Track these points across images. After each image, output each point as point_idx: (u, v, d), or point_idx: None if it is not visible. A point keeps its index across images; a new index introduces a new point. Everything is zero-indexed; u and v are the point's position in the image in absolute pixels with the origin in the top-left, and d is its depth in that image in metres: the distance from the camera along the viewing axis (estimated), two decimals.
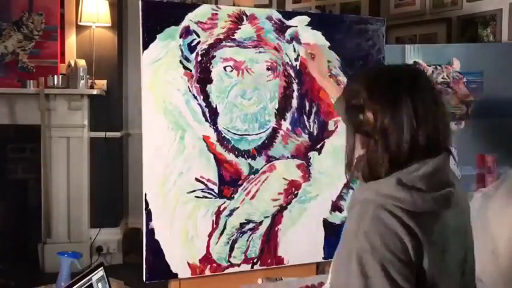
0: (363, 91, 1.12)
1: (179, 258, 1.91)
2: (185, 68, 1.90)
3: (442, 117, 1.13)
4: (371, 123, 1.09)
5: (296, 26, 2.05)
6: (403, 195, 1.04)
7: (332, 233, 2.12)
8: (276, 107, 2.02)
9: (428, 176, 1.07)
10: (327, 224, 2.11)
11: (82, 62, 3.61)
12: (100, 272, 1.60)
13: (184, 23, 1.90)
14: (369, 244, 1.01)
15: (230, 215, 1.97)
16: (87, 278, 1.54)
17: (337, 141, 2.11)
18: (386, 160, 1.08)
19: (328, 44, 2.09)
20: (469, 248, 1.18)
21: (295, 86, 2.05)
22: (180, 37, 1.89)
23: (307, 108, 2.07)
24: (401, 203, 1.04)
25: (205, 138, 1.93)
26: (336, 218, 2.12)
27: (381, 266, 1.00)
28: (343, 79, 2.11)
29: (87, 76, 3.63)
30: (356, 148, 1.14)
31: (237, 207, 1.98)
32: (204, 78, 1.92)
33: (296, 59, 2.05)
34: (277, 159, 2.03)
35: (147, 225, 1.87)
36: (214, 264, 1.96)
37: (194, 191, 1.92)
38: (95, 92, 3.66)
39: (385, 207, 1.04)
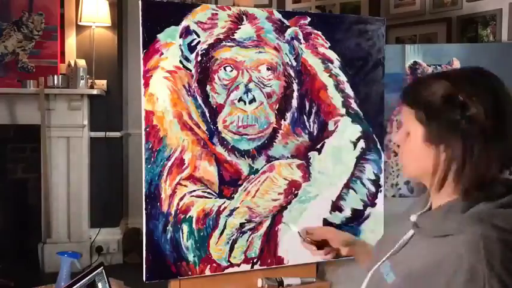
0: (449, 85, 0.96)
1: (179, 258, 1.91)
2: (185, 68, 1.90)
3: None
4: (479, 120, 0.92)
5: (296, 26, 2.05)
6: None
7: None
8: (276, 107, 2.02)
9: None
10: (327, 224, 2.11)
11: (82, 62, 3.61)
12: (100, 272, 1.60)
13: (184, 23, 1.90)
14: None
15: (230, 215, 1.97)
16: (87, 278, 1.54)
17: (337, 141, 2.11)
18: (497, 163, 0.93)
19: (328, 44, 2.09)
20: None
21: (295, 86, 2.05)
22: (180, 37, 1.89)
23: (307, 108, 2.07)
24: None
25: (205, 138, 1.93)
26: (336, 218, 2.12)
27: None
28: (343, 79, 2.11)
29: (87, 76, 3.63)
30: (454, 160, 0.95)
31: (237, 207, 1.98)
32: (204, 78, 1.92)
33: (296, 59, 2.05)
34: (277, 159, 2.03)
35: (147, 225, 1.87)
36: (214, 264, 1.96)
37: (194, 191, 1.92)
38: (95, 92, 3.66)
39: (507, 244, 0.87)
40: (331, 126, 2.10)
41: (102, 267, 1.60)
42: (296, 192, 2.06)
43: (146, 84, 1.85)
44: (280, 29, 2.03)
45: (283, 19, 2.03)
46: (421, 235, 1.02)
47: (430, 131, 0.97)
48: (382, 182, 2.17)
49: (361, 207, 2.17)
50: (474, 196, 0.95)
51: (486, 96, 0.94)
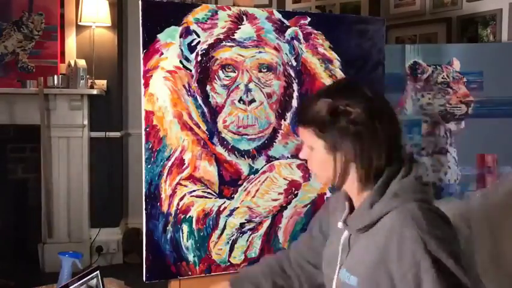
0: (329, 100, 1.14)
1: (179, 258, 1.91)
2: (185, 68, 1.90)
3: (395, 113, 1.20)
4: (360, 119, 1.11)
5: (296, 26, 2.05)
6: (426, 197, 1.11)
7: None
8: (276, 107, 2.02)
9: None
10: None
11: (82, 62, 3.61)
12: (95, 276, 1.60)
13: (184, 23, 1.90)
14: (442, 244, 1.03)
15: (230, 215, 1.97)
16: (82, 281, 1.54)
17: None
18: (383, 152, 1.12)
19: (328, 44, 2.09)
20: None
21: (295, 86, 2.05)
22: (180, 37, 1.89)
23: None
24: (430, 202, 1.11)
25: (205, 138, 1.93)
26: None
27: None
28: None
29: (87, 76, 3.63)
30: (349, 162, 1.14)
31: (237, 207, 1.98)
32: (204, 78, 1.93)
33: (296, 59, 2.05)
34: (277, 159, 2.03)
35: (147, 225, 1.87)
36: (214, 264, 1.96)
37: (194, 190, 1.92)
38: (95, 92, 3.66)
39: (429, 204, 1.10)
40: None
41: (97, 271, 1.60)
42: (296, 192, 2.06)
43: (146, 84, 1.86)
44: (280, 29, 2.03)
45: (283, 19, 2.03)
46: (357, 233, 1.16)
47: (327, 142, 1.14)
48: None
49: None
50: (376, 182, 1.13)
51: (361, 100, 1.12)
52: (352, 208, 1.23)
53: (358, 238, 1.16)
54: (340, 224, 1.21)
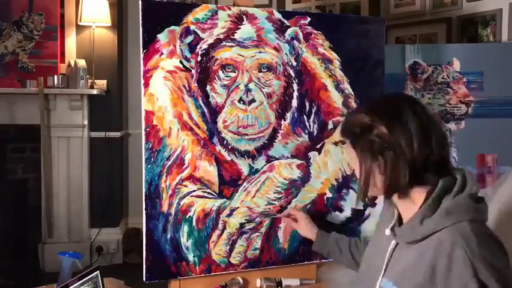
0: (362, 115, 1.20)
1: (179, 258, 1.91)
2: (185, 68, 1.90)
3: (440, 126, 1.21)
4: (385, 136, 1.15)
5: (296, 26, 2.05)
6: (480, 217, 1.11)
7: None
8: (276, 107, 2.02)
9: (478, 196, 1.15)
10: (327, 224, 2.11)
11: (82, 62, 3.62)
12: (95, 276, 1.60)
13: (184, 23, 1.90)
14: (491, 268, 1.02)
15: (230, 215, 1.97)
16: (82, 281, 1.54)
17: (337, 141, 2.11)
18: (409, 169, 1.13)
19: (328, 44, 2.09)
20: None
21: (295, 86, 2.05)
22: (180, 37, 1.89)
23: (307, 108, 2.07)
24: (483, 222, 1.11)
25: (205, 139, 1.93)
26: (336, 218, 2.13)
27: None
28: (343, 79, 2.12)
29: (87, 76, 3.63)
30: (373, 175, 1.18)
31: (237, 207, 1.98)
32: (203, 78, 1.93)
33: (296, 59, 2.05)
34: (277, 159, 2.03)
35: (147, 225, 1.87)
36: (214, 264, 1.96)
37: (194, 190, 1.92)
38: (95, 92, 3.66)
39: (482, 226, 1.09)
40: (331, 126, 2.11)
41: (97, 271, 1.60)
42: (296, 192, 2.06)
43: (146, 84, 1.86)
44: (280, 29, 2.03)
45: (283, 19, 2.03)
46: (405, 243, 1.18)
47: (359, 153, 1.20)
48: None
49: (361, 207, 2.17)
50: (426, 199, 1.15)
51: (390, 118, 1.15)
52: (400, 217, 1.26)
53: (406, 249, 1.18)
54: (387, 231, 1.24)
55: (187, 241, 1.92)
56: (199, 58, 1.92)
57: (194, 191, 1.92)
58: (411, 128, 1.14)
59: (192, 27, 1.91)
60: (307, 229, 1.92)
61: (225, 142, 1.95)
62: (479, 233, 1.06)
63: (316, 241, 1.87)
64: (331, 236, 1.84)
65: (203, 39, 1.92)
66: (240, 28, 1.96)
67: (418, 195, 1.17)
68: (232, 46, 1.95)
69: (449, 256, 1.05)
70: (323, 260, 2.13)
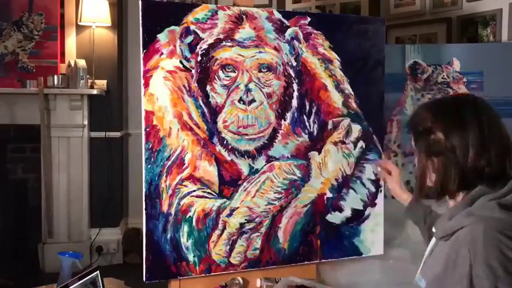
0: (428, 114, 1.22)
1: (179, 258, 1.91)
2: (185, 68, 1.90)
3: (506, 139, 1.20)
4: (441, 141, 1.17)
5: (296, 26, 2.05)
6: (501, 223, 1.08)
7: (332, 233, 2.12)
8: (276, 107, 2.02)
9: None
10: (327, 224, 2.11)
11: (82, 62, 3.61)
12: (95, 276, 1.60)
13: (184, 23, 1.90)
14: (488, 269, 1.03)
15: (230, 215, 1.97)
16: (82, 281, 1.54)
17: (337, 141, 2.11)
18: (458, 177, 1.16)
19: (328, 44, 2.09)
20: None
21: (295, 86, 2.05)
22: (180, 37, 1.89)
23: (307, 108, 2.07)
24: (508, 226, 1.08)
25: (205, 139, 1.93)
26: (336, 218, 2.13)
27: None
28: (343, 79, 2.11)
29: (87, 76, 3.63)
30: (428, 171, 1.22)
31: (237, 207, 1.98)
32: (203, 78, 1.93)
33: (296, 59, 2.05)
34: (277, 159, 2.03)
35: (147, 225, 1.87)
36: (214, 264, 1.96)
37: (194, 190, 1.92)
38: (95, 92, 3.66)
39: (498, 231, 1.07)
40: (331, 126, 2.11)
41: (97, 271, 1.60)
42: (296, 192, 2.06)
43: (146, 84, 1.86)
44: (280, 29, 2.03)
45: (283, 19, 2.03)
46: (438, 240, 1.22)
47: (418, 150, 1.24)
48: (382, 182, 2.17)
49: (361, 207, 2.17)
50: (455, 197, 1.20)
51: (448, 123, 1.18)
52: None
53: (439, 245, 1.22)
54: (433, 229, 1.29)
55: (187, 241, 1.92)
56: (199, 58, 1.92)
57: (194, 191, 1.92)
58: (470, 136, 1.16)
59: (192, 27, 1.91)
60: (397, 185, 1.83)
61: (225, 142, 1.95)
62: (491, 236, 1.07)
63: (410, 203, 1.74)
64: (424, 204, 1.71)
65: (203, 39, 1.92)
66: (239, 28, 1.96)
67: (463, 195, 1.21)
68: (232, 46, 1.95)
69: (457, 252, 1.09)
70: (323, 260, 2.13)
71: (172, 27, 1.88)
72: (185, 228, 1.91)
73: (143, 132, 1.87)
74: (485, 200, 1.13)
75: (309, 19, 2.07)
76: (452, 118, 1.19)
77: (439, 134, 1.18)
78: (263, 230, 2.02)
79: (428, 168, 1.22)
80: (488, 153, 1.15)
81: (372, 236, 2.19)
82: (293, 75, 2.04)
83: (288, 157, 2.05)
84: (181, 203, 1.91)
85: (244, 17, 1.97)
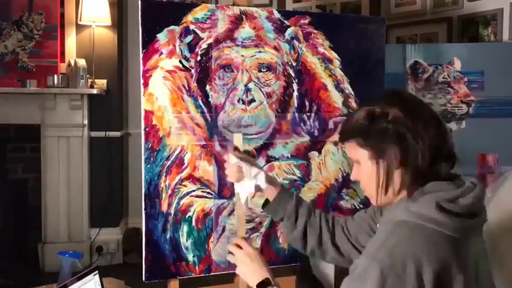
0: (367, 108, 1.14)
1: (179, 258, 1.91)
2: (184, 67, 1.90)
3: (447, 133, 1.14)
4: (400, 119, 1.08)
5: (296, 26, 2.04)
6: (443, 219, 1.03)
7: None
8: (276, 106, 2.02)
9: (469, 204, 1.06)
10: None
11: (82, 62, 3.61)
12: (95, 276, 1.60)
13: (183, 23, 1.89)
14: (390, 260, 0.99)
15: (230, 215, 1.96)
16: (81, 281, 1.54)
17: (337, 141, 2.11)
18: (427, 155, 1.07)
19: (328, 43, 2.08)
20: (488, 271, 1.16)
21: (295, 86, 2.05)
22: (180, 37, 1.89)
23: (307, 108, 2.07)
24: (441, 226, 1.03)
25: (205, 138, 1.93)
26: None
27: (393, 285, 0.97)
28: (343, 78, 2.11)
29: (87, 76, 3.63)
30: (393, 164, 1.10)
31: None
32: (203, 78, 1.92)
33: (296, 59, 2.04)
34: (277, 159, 2.03)
35: (147, 225, 1.87)
36: (214, 264, 1.96)
37: (194, 190, 1.92)
38: (94, 91, 3.66)
39: (424, 229, 1.03)
40: (331, 126, 2.10)
41: (97, 271, 1.60)
42: (296, 192, 2.05)
43: (146, 84, 1.85)
44: (280, 29, 2.02)
45: (283, 19, 2.03)
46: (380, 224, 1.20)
47: (370, 150, 1.12)
48: None
49: (362, 207, 2.16)
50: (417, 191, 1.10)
51: (394, 100, 1.12)
52: None
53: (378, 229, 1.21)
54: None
55: (186, 241, 1.92)
56: (198, 58, 1.91)
57: (194, 190, 1.92)
58: (418, 107, 1.11)
59: (192, 26, 1.90)
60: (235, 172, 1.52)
61: (224, 142, 1.95)
62: (396, 231, 1.05)
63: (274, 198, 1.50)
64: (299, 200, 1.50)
65: (203, 38, 1.91)
66: (239, 28, 1.96)
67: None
68: (232, 46, 1.95)
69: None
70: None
71: (172, 27, 1.88)
72: (185, 228, 1.91)
73: (142, 132, 1.86)
74: (421, 193, 1.08)
75: (309, 19, 2.06)
76: (398, 98, 1.15)
77: (394, 111, 1.10)
78: (263, 230, 2.02)
79: (392, 161, 1.12)
80: (444, 133, 1.12)
81: None
82: (293, 74, 2.04)
83: (288, 157, 2.04)
84: (181, 203, 1.90)
85: (243, 16, 1.97)
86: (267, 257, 2.03)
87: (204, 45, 1.92)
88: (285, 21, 2.03)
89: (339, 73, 2.11)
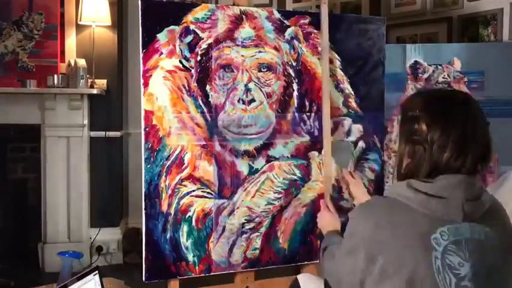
0: (420, 104, 1.21)
1: (179, 258, 1.91)
2: (184, 67, 1.90)
3: (487, 140, 1.19)
4: (423, 133, 1.16)
5: (296, 26, 2.04)
6: (410, 195, 1.15)
7: None
8: (276, 106, 2.02)
9: (445, 186, 1.14)
10: None
11: (82, 62, 3.60)
12: (95, 276, 1.59)
13: (183, 23, 1.89)
14: (354, 227, 1.19)
15: (230, 215, 1.96)
16: (81, 281, 1.54)
17: (338, 141, 2.10)
18: (426, 169, 1.16)
19: (328, 43, 2.08)
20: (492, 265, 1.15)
21: (295, 86, 2.05)
22: (180, 37, 1.89)
23: (307, 108, 2.07)
24: (408, 200, 1.15)
25: (205, 138, 1.93)
26: None
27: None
28: (343, 78, 2.11)
29: (87, 76, 3.63)
30: (404, 156, 1.22)
31: (237, 207, 1.97)
32: (203, 78, 1.92)
33: (296, 59, 2.04)
34: (277, 159, 2.03)
35: (147, 225, 1.87)
36: (214, 264, 1.96)
37: (194, 190, 1.92)
38: (94, 91, 3.65)
39: (390, 199, 1.19)
40: (331, 126, 2.10)
41: (97, 271, 1.60)
42: (296, 192, 2.05)
43: (146, 84, 1.85)
44: (280, 29, 2.02)
45: (283, 19, 2.03)
46: None
47: (401, 134, 1.24)
48: (382, 181, 2.17)
49: None
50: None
51: (433, 118, 1.17)
52: None
53: None
54: None
55: (186, 241, 1.92)
56: (198, 58, 1.91)
57: (194, 190, 1.92)
58: (451, 135, 1.15)
59: (192, 26, 1.90)
60: (359, 189, 1.92)
61: (224, 142, 1.95)
62: (367, 203, 1.28)
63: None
64: None
65: (203, 38, 1.91)
66: (239, 28, 1.96)
67: None
68: (232, 46, 1.95)
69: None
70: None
71: (172, 27, 1.88)
72: (185, 228, 1.91)
73: (142, 132, 1.86)
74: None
75: (308, 19, 2.06)
76: (439, 114, 1.18)
77: (423, 125, 1.17)
78: (263, 230, 2.02)
79: (404, 153, 1.22)
80: (465, 156, 1.15)
81: None
82: (293, 74, 2.04)
83: (288, 157, 2.04)
84: (181, 203, 1.90)
85: (244, 16, 1.97)
86: (267, 257, 2.03)
87: (204, 45, 1.92)
88: (285, 21, 2.03)
89: (339, 73, 2.11)
